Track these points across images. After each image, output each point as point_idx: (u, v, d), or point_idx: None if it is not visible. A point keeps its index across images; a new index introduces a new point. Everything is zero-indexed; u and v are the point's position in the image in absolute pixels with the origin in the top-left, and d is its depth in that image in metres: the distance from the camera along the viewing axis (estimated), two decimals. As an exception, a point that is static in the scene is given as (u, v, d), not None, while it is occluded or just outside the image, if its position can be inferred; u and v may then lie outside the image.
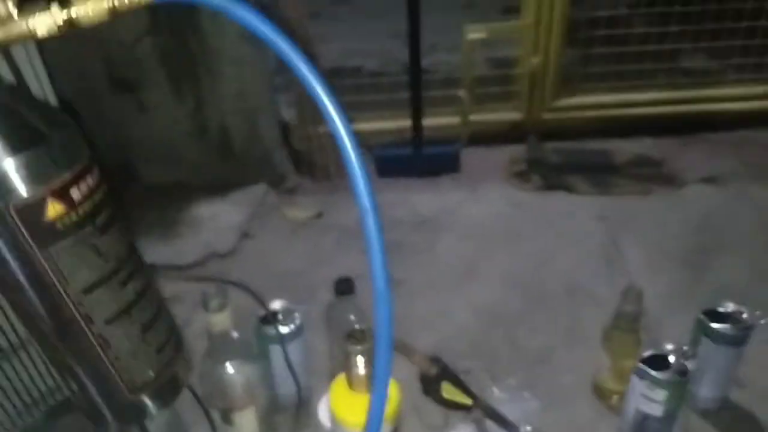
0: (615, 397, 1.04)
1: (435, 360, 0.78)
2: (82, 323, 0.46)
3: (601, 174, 1.80)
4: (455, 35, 1.99)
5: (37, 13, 0.41)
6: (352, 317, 1.02)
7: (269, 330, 0.97)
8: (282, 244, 1.58)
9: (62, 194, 0.43)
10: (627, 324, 1.00)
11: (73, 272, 0.45)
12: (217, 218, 1.65)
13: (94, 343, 0.47)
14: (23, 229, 0.42)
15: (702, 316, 0.97)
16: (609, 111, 2.02)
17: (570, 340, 1.19)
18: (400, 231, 1.56)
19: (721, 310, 0.97)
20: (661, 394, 0.88)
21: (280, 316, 0.99)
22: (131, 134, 1.74)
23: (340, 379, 0.75)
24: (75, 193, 0.44)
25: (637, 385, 0.91)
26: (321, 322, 1.08)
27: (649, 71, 2.02)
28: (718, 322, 0.95)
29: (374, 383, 0.49)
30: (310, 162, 1.86)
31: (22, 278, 0.44)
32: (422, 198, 1.71)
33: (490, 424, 0.95)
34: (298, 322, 0.99)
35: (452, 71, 2.06)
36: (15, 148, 0.41)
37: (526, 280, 1.37)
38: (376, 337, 0.47)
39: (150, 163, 1.80)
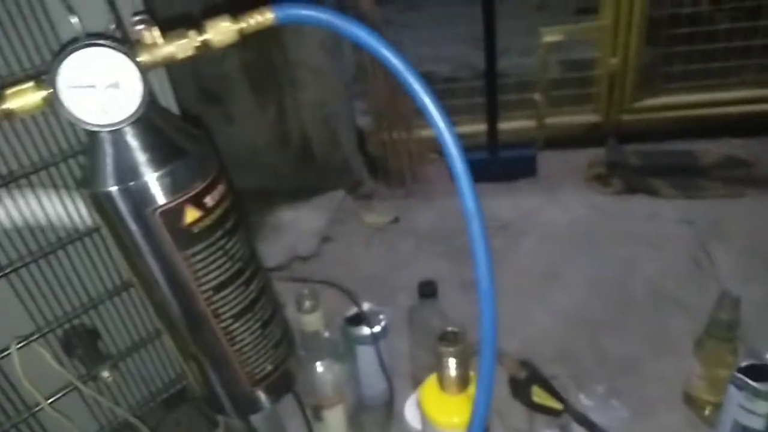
0: (709, 408, 1.01)
1: (525, 364, 0.78)
2: (211, 318, 0.51)
3: (686, 176, 1.73)
4: (528, 38, 1.98)
5: (177, 39, 0.45)
6: (436, 320, 1.04)
7: (358, 330, 1.00)
8: (361, 248, 1.61)
9: (198, 201, 0.47)
10: (722, 332, 0.97)
11: (206, 272, 0.49)
12: (299, 223, 1.71)
13: (221, 336, 0.52)
14: (166, 233, 0.47)
15: (805, 325, 0.93)
16: (692, 111, 1.94)
17: (657, 348, 1.15)
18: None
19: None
20: (762, 407, 0.85)
21: (364, 317, 1.02)
22: (218, 144, 1.83)
23: (431, 381, 0.77)
24: (208, 200, 0.48)
25: (736, 396, 0.87)
26: (400, 325, 1.10)
27: (736, 68, 1.94)
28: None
29: (479, 383, 0.51)
30: (386, 168, 1.90)
31: (160, 277, 0.49)
32: (500, 203, 1.71)
33: (576, 430, 0.95)
34: (384, 323, 1.02)
35: (526, 74, 2.04)
36: (161, 163, 0.46)
37: (610, 285, 1.34)
38: (481, 338, 0.49)
39: (235, 171, 1.88)
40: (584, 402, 1.00)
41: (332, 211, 1.76)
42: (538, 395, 0.80)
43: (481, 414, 0.53)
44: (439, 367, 0.72)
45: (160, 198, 0.47)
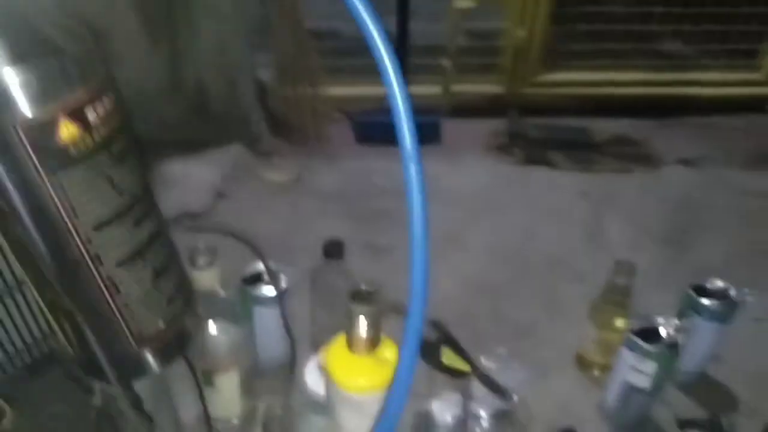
0: (599, 370, 1.05)
1: (435, 324, 0.76)
2: (90, 264, 0.41)
3: (582, 151, 1.80)
4: (437, 3, 1.96)
5: None
6: (341, 282, 0.99)
7: (257, 290, 0.93)
8: (259, 206, 1.53)
9: (77, 114, 0.38)
10: (616, 297, 1.00)
11: (84, 205, 0.39)
12: (191, 177, 1.58)
13: (102, 286, 0.42)
14: (31, 152, 0.37)
15: (691, 292, 0.98)
16: (590, 89, 2.02)
17: (553, 313, 1.19)
18: (381, 199, 1.53)
19: (708, 286, 0.98)
20: (650, 366, 0.89)
21: (265, 278, 0.95)
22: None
23: (337, 342, 0.72)
24: (91, 115, 0.38)
25: (627, 356, 0.91)
26: (300, 286, 1.04)
27: (631, 52, 2.03)
28: (705, 297, 0.96)
29: (405, 341, 0.46)
30: (288, 125, 1.80)
31: (23, 209, 0.38)
32: (401, 167, 1.68)
33: (477, 392, 0.94)
34: (286, 283, 0.95)
35: (434, 40, 2.02)
36: (20, 56, 0.35)
37: (510, 252, 1.36)
38: (411, 289, 0.45)
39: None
40: (486, 364, 1.00)
41: (228, 167, 1.64)
42: (448, 357, 0.78)
43: (404, 376, 0.49)
44: (350, 327, 0.68)
45: (25, 104, 0.36)
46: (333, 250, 0.98)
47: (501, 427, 0.94)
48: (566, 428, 0.94)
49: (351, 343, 0.68)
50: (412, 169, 0.44)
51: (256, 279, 0.95)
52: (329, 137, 1.84)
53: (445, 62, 1.93)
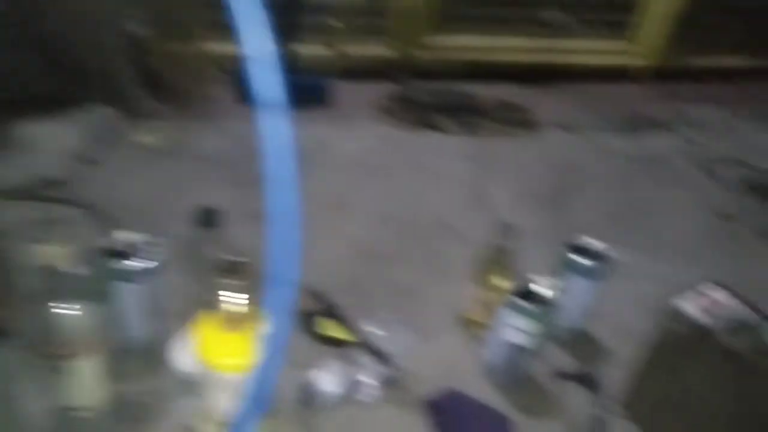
0: (482, 329, 1.06)
1: (313, 294, 0.72)
2: None
3: (469, 116, 1.82)
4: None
5: None
6: (216, 252, 0.92)
7: (117, 265, 0.84)
8: (132, 173, 1.40)
9: None
10: (498, 258, 1.01)
11: None
12: (50, 140, 1.42)
13: None
14: None
15: (566, 251, 1.01)
16: (477, 54, 2.04)
17: (439, 276, 1.19)
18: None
19: (583, 245, 1.02)
20: (529, 325, 0.91)
21: (130, 250, 0.87)
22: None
23: (207, 319, 0.67)
24: None
25: (507, 316, 0.92)
26: (175, 257, 0.96)
27: (514, 18, 2.06)
28: (580, 256, 1.00)
29: (272, 317, 0.42)
30: (164, 84, 1.66)
31: None
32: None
33: (360, 359, 0.93)
34: (154, 257, 0.87)
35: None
36: None
37: (398, 216, 1.35)
38: (272, 263, 0.40)
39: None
40: (370, 329, 0.98)
41: (94, 129, 1.49)
42: (324, 326, 0.74)
43: (270, 352, 0.44)
44: (219, 303, 0.62)
45: None
46: (206, 218, 0.91)
47: (387, 392, 0.93)
48: (449, 388, 0.94)
49: (220, 320, 0.63)
50: (274, 129, 0.38)
51: (117, 252, 0.86)
52: (210, 97, 1.72)
53: (335, 23, 1.86)
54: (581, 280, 1.00)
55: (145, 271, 0.86)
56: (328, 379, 0.92)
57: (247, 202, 1.28)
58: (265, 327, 0.68)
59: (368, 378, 0.93)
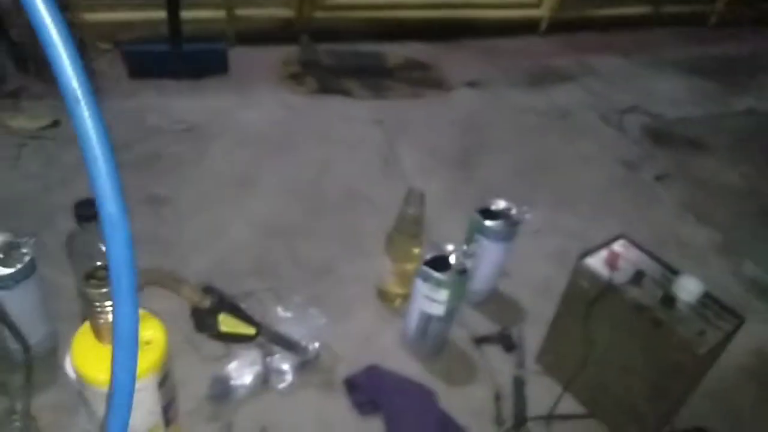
0: (398, 301, 1.05)
1: (207, 290, 0.66)
2: None
3: (375, 77, 1.76)
4: None
5: None
6: (101, 248, 0.83)
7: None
8: (7, 161, 1.26)
9: None
10: (409, 227, 0.98)
11: None
12: None
13: None
14: None
15: (476, 215, 1.00)
16: (380, 12, 1.98)
17: (352, 249, 1.15)
18: (159, 141, 1.35)
19: (492, 208, 1.01)
20: (443, 294, 0.89)
21: (7, 251, 0.77)
22: None
23: (85, 328, 0.60)
24: None
25: (421, 287, 0.90)
26: (62, 255, 0.87)
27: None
28: (490, 219, 0.98)
29: (115, 346, 0.36)
30: (37, 58, 1.50)
31: None
32: (185, 102, 1.50)
33: (272, 347, 0.88)
34: (25, 259, 0.78)
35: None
36: None
37: (305, 189, 1.29)
38: (112, 282, 0.34)
39: None
40: (282, 315, 0.94)
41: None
42: (226, 323, 0.69)
43: (125, 381, 0.38)
44: (90, 312, 0.55)
45: None
46: (85, 211, 0.82)
47: (305, 376, 0.90)
48: (368, 365, 0.92)
49: (95, 331, 0.56)
50: (83, 113, 0.32)
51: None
52: (95, 71, 1.57)
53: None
54: (491, 242, 0.99)
55: (14, 275, 0.76)
56: (240, 371, 0.87)
57: (139, 185, 1.19)
58: (158, 332, 0.62)
59: (283, 364, 0.89)
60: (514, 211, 1.00)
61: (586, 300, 0.84)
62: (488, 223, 0.98)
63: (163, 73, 1.58)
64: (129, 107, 1.44)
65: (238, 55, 1.70)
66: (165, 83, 1.55)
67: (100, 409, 0.59)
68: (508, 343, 1.01)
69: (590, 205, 1.36)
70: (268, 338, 0.79)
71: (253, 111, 1.52)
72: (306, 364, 0.91)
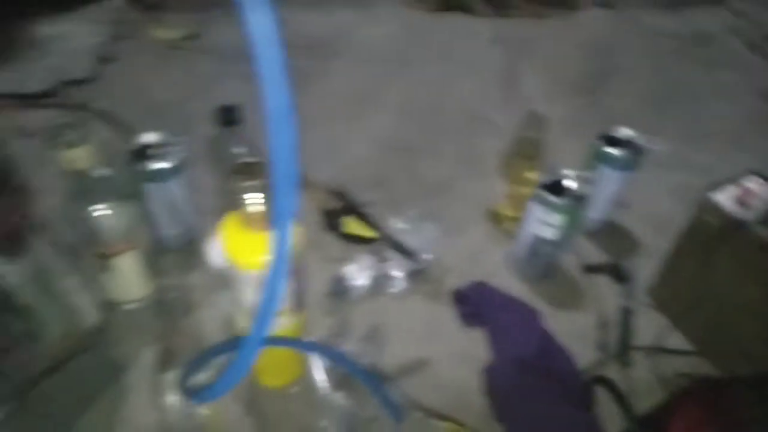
0: (510, 223, 1.06)
1: (337, 193, 0.71)
2: None
3: (499, -5, 1.70)
4: None
5: None
6: (240, 150, 0.91)
7: (145, 165, 0.85)
8: (152, 69, 1.38)
9: None
10: (527, 150, 0.98)
11: None
12: (68, 38, 1.39)
13: None
14: None
15: (597, 141, 0.97)
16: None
17: (467, 169, 1.17)
18: (289, 54, 1.40)
19: (615, 135, 0.98)
20: (557, 219, 0.89)
21: (155, 150, 0.87)
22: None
23: (232, 218, 0.67)
24: None
25: (535, 210, 0.91)
26: (202, 156, 0.97)
27: None
28: (612, 146, 0.96)
29: (275, 220, 0.41)
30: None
31: None
32: (310, 17, 1.54)
33: (390, 253, 0.94)
34: (178, 156, 0.87)
35: None
36: None
37: (424, 108, 1.31)
38: (273, 168, 0.39)
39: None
40: (398, 226, 0.99)
41: (111, 25, 1.45)
42: (350, 225, 0.75)
43: (281, 254, 0.44)
44: (238, 203, 0.62)
45: None
46: (227, 116, 0.90)
47: (415, 284, 0.95)
48: (477, 281, 0.95)
49: (244, 220, 0.64)
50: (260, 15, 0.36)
51: (142, 153, 0.87)
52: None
53: None
54: (612, 171, 0.97)
55: (170, 170, 0.86)
56: (357, 273, 0.94)
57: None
58: (273, 228, 0.69)
59: (396, 271, 0.94)
60: (638, 141, 0.97)
61: (710, 236, 0.82)
62: (610, 150, 0.96)
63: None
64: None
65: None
66: (293, -2, 1.59)
67: (245, 290, 0.68)
68: (618, 274, 1.00)
69: (723, 140, 1.27)
70: (386, 243, 0.85)
71: (373, 27, 1.53)
72: (417, 273, 0.96)
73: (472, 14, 1.61)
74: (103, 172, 0.76)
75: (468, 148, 1.21)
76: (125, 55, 1.40)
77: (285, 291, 0.57)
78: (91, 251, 0.80)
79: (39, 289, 0.65)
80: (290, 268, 0.66)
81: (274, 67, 0.37)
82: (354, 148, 1.19)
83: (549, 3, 1.69)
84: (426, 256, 0.96)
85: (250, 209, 0.61)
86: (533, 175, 0.99)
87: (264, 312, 0.52)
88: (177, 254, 0.95)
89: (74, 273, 0.75)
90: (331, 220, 0.73)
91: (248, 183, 0.60)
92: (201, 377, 0.66)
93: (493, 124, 1.26)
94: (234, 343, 0.63)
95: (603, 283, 0.99)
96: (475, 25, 1.57)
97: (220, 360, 0.66)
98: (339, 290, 0.93)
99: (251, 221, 0.63)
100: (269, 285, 0.47)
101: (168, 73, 1.37)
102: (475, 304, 0.94)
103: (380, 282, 0.95)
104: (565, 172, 0.91)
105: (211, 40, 1.46)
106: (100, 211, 0.77)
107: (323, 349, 0.70)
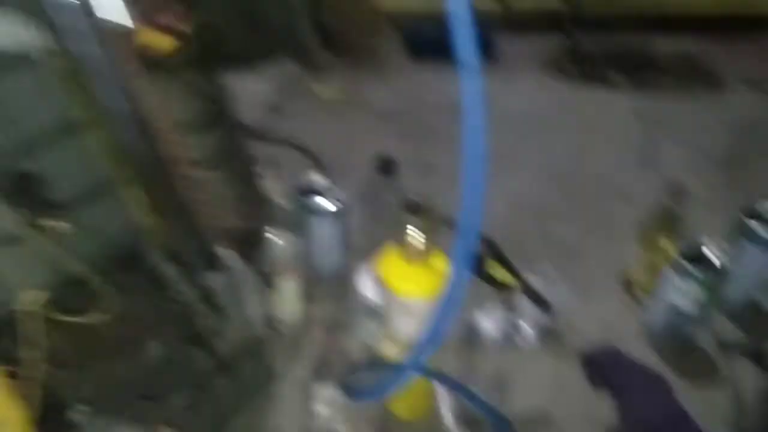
0: (644, 291, 1.06)
1: (483, 238, 0.78)
2: (175, 163, 0.45)
3: (640, 69, 1.73)
4: None
5: None
6: (392, 198, 1.02)
7: (316, 203, 0.97)
8: (312, 121, 1.54)
9: (165, 27, 0.40)
10: (666, 219, 1.00)
11: (166, 108, 0.42)
12: (247, 91, 1.60)
13: (184, 183, 0.46)
14: (126, 57, 0.39)
15: (742, 216, 0.96)
16: (654, 2, 1.91)
17: (600, 234, 1.19)
18: (433, 116, 1.52)
19: (760, 210, 0.96)
20: (694, 290, 0.89)
21: (323, 190, 0.99)
22: None
23: (390, 251, 0.76)
24: (176, 27, 0.40)
25: (672, 279, 0.91)
26: (357, 200, 1.08)
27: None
28: (758, 223, 0.95)
29: (456, 259, 0.49)
30: (338, 38, 1.78)
31: (121, 112, 0.42)
32: (454, 84, 1.65)
33: (521, 306, 0.98)
34: (339, 196, 0.99)
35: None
36: None
37: (560, 173, 1.36)
38: (461, 212, 0.47)
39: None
40: (534, 279, 1.02)
41: (280, 81, 1.65)
42: (494, 269, 0.81)
43: (455, 290, 0.52)
44: (402, 236, 0.71)
45: (122, 17, 0.38)
46: (386, 166, 1.01)
47: (543, 339, 0.98)
48: (607, 344, 0.96)
49: (403, 252, 0.72)
50: (471, 83, 0.44)
51: (311, 190, 0.99)
52: (381, 52, 1.81)
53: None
54: (755, 247, 0.95)
55: (337, 210, 0.98)
56: (490, 322, 0.98)
57: (418, 155, 1.37)
58: (443, 263, 0.77)
59: (527, 324, 0.98)
60: (787, 219, 0.95)
61: None
62: (755, 226, 0.95)
63: (438, 55, 1.75)
64: (409, 84, 1.65)
65: (505, 42, 1.81)
66: (441, 65, 1.72)
67: (397, 317, 0.76)
68: (758, 356, 0.97)
69: None
70: (525, 292, 0.89)
71: (516, 95, 1.62)
72: (547, 330, 0.99)
73: (613, 87, 1.65)
74: (283, 203, 0.89)
75: (602, 215, 1.24)
76: (290, 108, 1.59)
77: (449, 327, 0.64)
78: (266, 269, 0.92)
79: (231, 295, 0.77)
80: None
81: (476, 126, 0.45)
82: (489, 205, 1.25)
83: (691, 80, 1.70)
84: (556, 313, 0.99)
85: (412, 242, 0.70)
86: (671, 245, 1.00)
87: (427, 341, 0.59)
88: (331, 285, 1.06)
89: (252, 287, 0.87)
90: (475, 262, 0.79)
91: (415, 220, 0.68)
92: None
93: (628, 193, 1.28)
94: (393, 365, 0.70)
95: (740, 364, 0.96)
96: (615, 97, 1.61)
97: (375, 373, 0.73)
98: (471, 336, 0.98)
99: (411, 253, 0.71)
100: (437, 319, 0.54)
101: (326, 126, 1.53)
102: (604, 368, 0.94)
103: (509, 334, 0.98)
104: (707, 243, 0.91)
105: (364, 100, 1.62)
106: (277, 236, 0.89)
107: (468, 391, 0.74)
